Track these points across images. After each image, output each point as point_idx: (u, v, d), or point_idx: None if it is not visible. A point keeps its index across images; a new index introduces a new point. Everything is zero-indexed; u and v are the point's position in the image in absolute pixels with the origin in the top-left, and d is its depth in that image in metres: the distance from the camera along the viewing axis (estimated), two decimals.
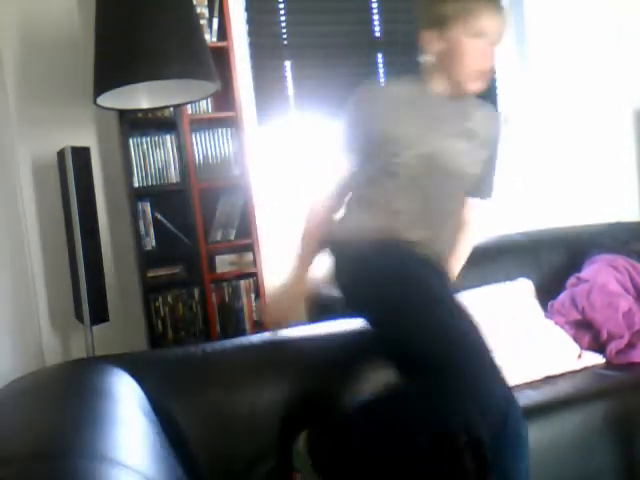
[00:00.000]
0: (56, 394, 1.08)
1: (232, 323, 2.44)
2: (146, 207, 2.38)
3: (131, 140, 2.34)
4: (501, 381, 1.27)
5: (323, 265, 1.63)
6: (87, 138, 2.44)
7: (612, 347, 2.07)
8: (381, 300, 1.39)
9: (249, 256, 2.48)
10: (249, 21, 2.69)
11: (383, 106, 1.51)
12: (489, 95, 2.87)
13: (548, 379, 1.97)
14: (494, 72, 1.58)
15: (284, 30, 2.75)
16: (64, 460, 0.74)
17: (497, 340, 1.94)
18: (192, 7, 1.92)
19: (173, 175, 2.39)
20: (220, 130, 2.46)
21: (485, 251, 2.39)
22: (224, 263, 2.47)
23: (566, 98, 3.10)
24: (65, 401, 1.02)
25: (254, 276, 2.46)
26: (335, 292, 2.19)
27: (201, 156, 2.44)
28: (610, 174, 3.21)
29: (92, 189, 2.19)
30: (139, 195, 2.37)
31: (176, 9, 1.83)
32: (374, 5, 2.87)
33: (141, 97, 2.10)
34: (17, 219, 2.29)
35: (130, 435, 0.91)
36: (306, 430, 1.39)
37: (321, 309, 2.29)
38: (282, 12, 2.74)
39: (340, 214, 1.62)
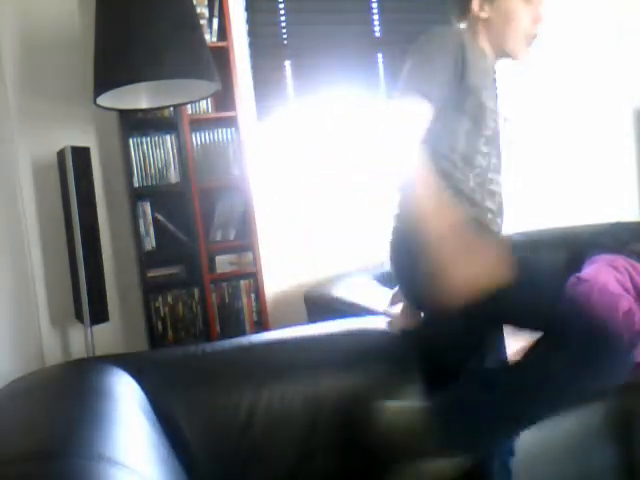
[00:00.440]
0: (56, 394, 1.08)
1: (232, 323, 2.44)
2: (146, 207, 2.38)
3: (131, 140, 2.34)
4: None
5: None
6: (87, 138, 2.44)
7: None
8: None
9: (249, 256, 2.48)
10: (249, 21, 2.69)
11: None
12: None
13: None
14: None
15: (284, 30, 2.74)
16: (64, 460, 0.74)
17: None
18: (192, 7, 1.92)
19: (173, 175, 2.39)
20: (220, 130, 2.46)
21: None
22: (224, 263, 2.47)
23: (566, 98, 3.10)
24: (65, 401, 1.02)
25: (254, 276, 2.46)
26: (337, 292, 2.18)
27: (201, 156, 2.44)
28: (610, 174, 3.21)
29: (92, 189, 2.19)
30: (139, 195, 2.37)
31: (176, 9, 1.83)
32: (374, 5, 2.87)
33: (141, 97, 2.10)
34: (17, 219, 2.29)
35: (130, 435, 0.91)
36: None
37: (321, 309, 2.29)
38: (282, 12, 2.74)
39: None
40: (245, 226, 2.47)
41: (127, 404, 1.06)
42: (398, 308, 1.61)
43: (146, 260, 2.36)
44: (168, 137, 2.38)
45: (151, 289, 2.36)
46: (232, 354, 1.52)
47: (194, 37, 1.85)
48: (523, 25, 1.47)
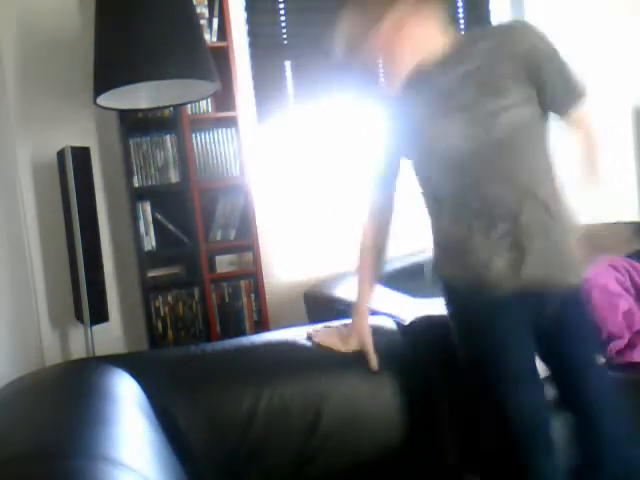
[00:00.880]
0: (56, 394, 1.08)
1: (232, 323, 2.44)
2: (146, 207, 2.38)
3: (131, 140, 2.34)
4: None
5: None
6: (87, 138, 2.44)
7: (612, 347, 2.07)
8: None
9: (249, 256, 2.48)
10: (249, 21, 2.69)
11: None
12: None
13: (549, 379, 1.96)
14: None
15: (284, 30, 2.74)
16: (64, 460, 0.74)
17: None
18: (192, 7, 1.92)
19: (173, 175, 2.39)
20: (220, 130, 2.46)
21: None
22: (224, 263, 2.47)
23: None
24: (65, 401, 1.02)
25: (254, 276, 2.46)
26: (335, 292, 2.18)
27: (201, 156, 2.44)
28: (610, 174, 3.20)
29: (92, 189, 2.19)
30: (139, 195, 2.37)
31: (176, 9, 1.83)
32: None
33: (141, 97, 2.09)
34: (17, 219, 2.29)
35: (130, 435, 0.91)
36: None
37: (321, 309, 2.29)
38: (282, 12, 2.74)
39: None
40: (245, 226, 2.47)
41: (127, 404, 1.06)
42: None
43: (146, 260, 2.36)
44: (168, 137, 2.38)
45: (151, 289, 2.36)
46: (232, 354, 1.52)
47: (194, 37, 1.85)
48: None
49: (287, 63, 2.75)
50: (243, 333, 2.44)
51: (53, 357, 2.43)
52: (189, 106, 2.37)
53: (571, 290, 1.39)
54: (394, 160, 1.53)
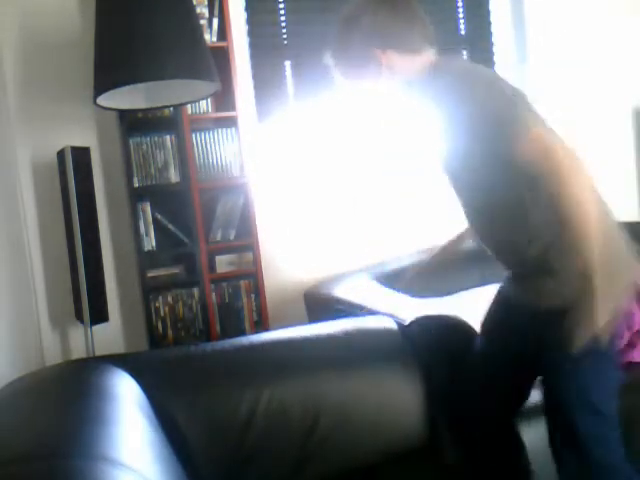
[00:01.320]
0: (56, 394, 1.08)
1: (232, 323, 2.44)
2: (146, 207, 2.38)
3: (131, 140, 2.34)
4: None
5: None
6: (87, 138, 2.44)
7: None
8: None
9: (249, 256, 2.48)
10: (249, 21, 2.69)
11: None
12: None
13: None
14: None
15: (284, 30, 2.74)
16: (64, 460, 0.74)
17: None
18: (192, 7, 1.92)
19: (173, 175, 2.39)
20: (220, 130, 2.46)
21: (486, 251, 2.38)
22: (224, 263, 2.47)
23: (566, 97, 3.10)
24: (65, 401, 1.02)
25: (254, 276, 2.46)
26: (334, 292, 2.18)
27: (201, 156, 2.44)
28: (610, 174, 3.21)
29: (92, 189, 2.19)
30: (139, 195, 2.37)
31: (176, 9, 1.83)
32: None
33: (141, 97, 2.09)
34: (17, 219, 2.29)
35: (130, 435, 0.91)
36: None
37: (321, 309, 2.29)
38: (282, 12, 2.74)
39: None
40: (245, 226, 2.47)
41: (127, 404, 1.06)
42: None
43: (146, 260, 2.36)
44: (168, 137, 2.38)
45: (151, 289, 2.36)
46: (232, 354, 1.52)
47: (194, 37, 1.85)
48: None
49: (287, 63, 2.75)
50: (243, 333, 2.44)
51: (53, 357, 2.43)
52: (189, 106, 2.37)
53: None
54: None
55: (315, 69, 2.76)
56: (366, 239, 2.77)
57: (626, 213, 3.15)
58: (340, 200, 2.78)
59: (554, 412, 1.38)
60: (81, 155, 2.15)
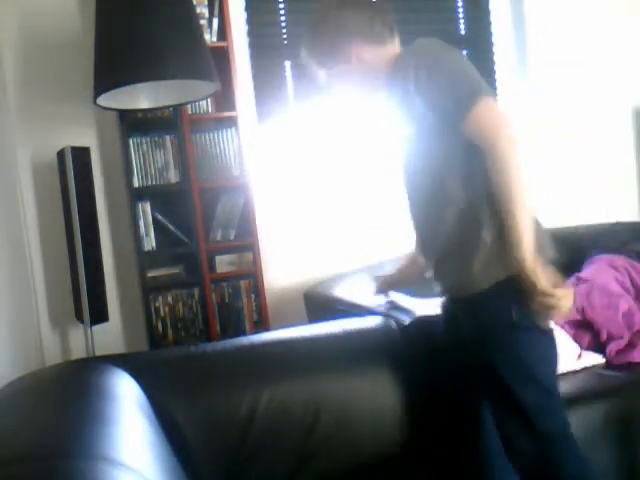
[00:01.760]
0: (56, 394, 1.08)
1: (232, 323, 2.44)
2: (146, 207, 2.38)
3: (131, 140, 2.34)
4: None
5: None
6: (87, 138, 2.44)
7: (612, 347, 2.07)
8: None
9: (249, 256, 2.48)
10: (249, 21, 2.69)
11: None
12: None
13: None
14: None
15: (284, 30, 2.74)
16: (64, 460, 0.74)
17: None
18: (192, 7, 1.92)
19: (173, 175, 2.39)
20: (220, 130, 2.46)
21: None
22: (224, 263, 2.47)
23: (565, 97, 3.10)
24: (65, 401, 1.02)
25: (254, 276, 2.46)
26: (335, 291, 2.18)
27: (201, 156, 2.44)
28: (610, 174, 3.21)
29: (92, 189, 2.19)
30: (139, 195, 2.37)
31: (176, 9, 1.83)
32: None
33: (141, 97, 2.10)
34: (17, 219, 2.29)
35: (130, 435, 0.91)
36: None
37: (321, 309, 2.29)
38: (282, 12, 2.73)
39: None
40: (245, 226, 2.47)
41: (127, 404, 1.06)
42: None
43: (146, 260, 2.36)
44: (168, 137, 2.38)
45: (151, 289, 2.36)
46: (232, 354, 1.52)
47: (194, 37, 1.85)
48: None
49: (287, 63, 2.75)
50: (243, 333, 2.44)
51: (53, 357, 2.43)
52: (189, 106, 2.37)
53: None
54: None
55: None
56: (366, 239, 2.77)
57: (626, 213, 3.15)
58: (340, 200, 2.78)
59: (495, 391, 1.39)
60: (81, 155, 2.15)
